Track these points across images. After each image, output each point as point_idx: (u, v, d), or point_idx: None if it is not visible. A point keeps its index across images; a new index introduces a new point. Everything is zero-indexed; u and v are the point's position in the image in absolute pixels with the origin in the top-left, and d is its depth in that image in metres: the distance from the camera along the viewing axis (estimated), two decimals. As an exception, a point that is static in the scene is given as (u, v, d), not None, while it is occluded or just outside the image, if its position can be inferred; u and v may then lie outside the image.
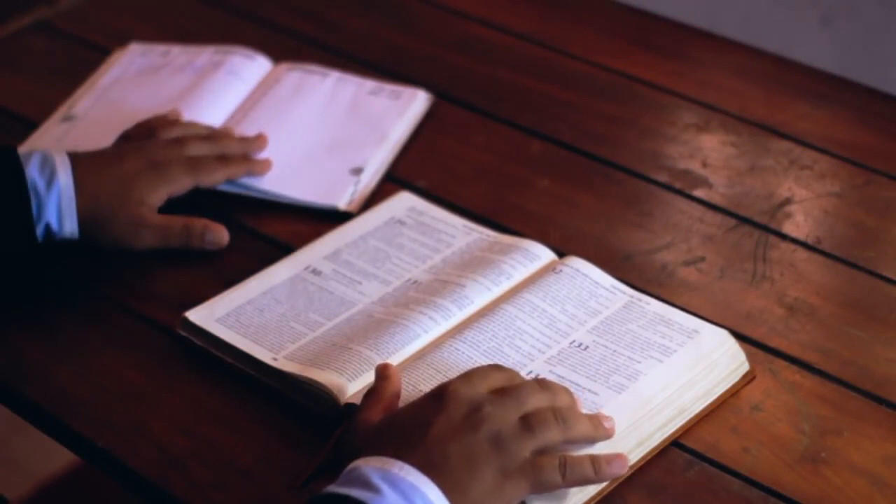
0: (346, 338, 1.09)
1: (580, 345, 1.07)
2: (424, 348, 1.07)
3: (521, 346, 1.07)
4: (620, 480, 0.98)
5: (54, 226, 1.15)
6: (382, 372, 1.01)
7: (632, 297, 1.12)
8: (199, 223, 1.20)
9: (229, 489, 1.00)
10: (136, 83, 1.41)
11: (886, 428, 1.03)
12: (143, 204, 1.19)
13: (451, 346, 1.06)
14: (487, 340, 1.07)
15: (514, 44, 1.51)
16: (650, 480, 0.99)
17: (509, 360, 1.05)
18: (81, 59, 1.47)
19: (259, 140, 1.30)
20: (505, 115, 1.39)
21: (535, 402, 0.96)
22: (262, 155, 1.29)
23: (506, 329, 1.08)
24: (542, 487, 0.94)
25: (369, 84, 1.41)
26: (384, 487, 0.88)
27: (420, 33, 1.52)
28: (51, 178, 1.15)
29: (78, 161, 1.17)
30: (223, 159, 1.25)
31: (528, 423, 0.95)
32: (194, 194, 1.23)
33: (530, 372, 1.05)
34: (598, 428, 0.98)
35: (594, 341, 1.07)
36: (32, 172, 1.14)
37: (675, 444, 1.02)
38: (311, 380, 1.04)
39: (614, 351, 1.06)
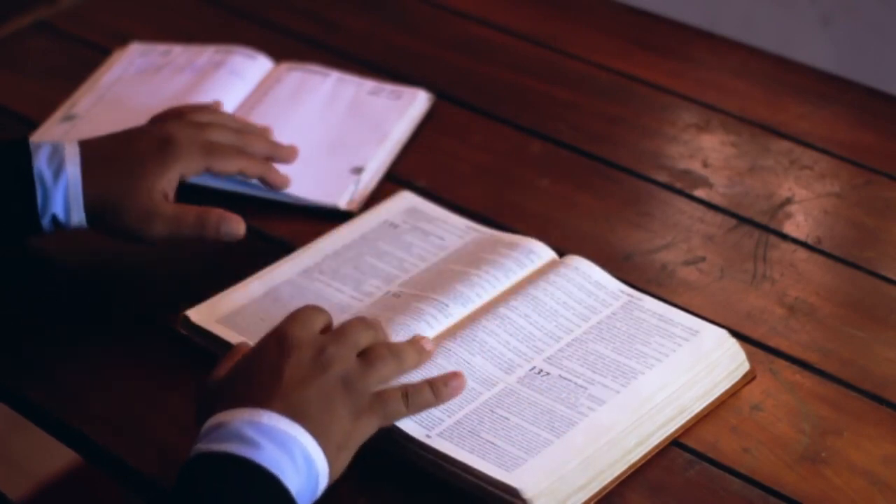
0: (346, 337, 1.09)
1: (580, 344, 1.07)
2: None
3: (519, 345, 1.06)
4: (621, 480, 0.98)
5: (61, 217, 1.13)
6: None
7: (631, 296, 1.12)
8: (214, 213, 1.15)
9: (229, 489, 1.00)
10: (136, 83, 1.41)
11: (886, 428, 1.03)
12: (153, 190, 1.14)
13: (447, 348, 1.05)
14: (486, 338, 1.06)
15: (514, 44, 1.51)
16: (650, 480, 0.99)
17: (506, 359, 1.05)
18: (81, 59, 1.47)
19: (289, 150, 1.27)
20: (505, 115, 1.39)
21: (367, 338, 0.99)
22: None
23: (505, 328, 1.07)
24: (390, 418, 0.97)
25: (369, 84, 1.41)
26: (261, 440, 0.89)
27: (420, 33, 1.52)
28: (58, 170, 1.13)
29: (88, 150, 1.14)
30: (243, 152, 1.21)
31: (368, 359, 0.97)
32: (195, 194, 1.22)
33: (532, 368, 1.05)
34: (422, 353, 1.02)
35: (594, 341, 1.07)
36: (41, 163, 1.13)
37: (675, 444, 1.02)
38: (311, 379, 1.04)
39: (614, 350, 1.06)
